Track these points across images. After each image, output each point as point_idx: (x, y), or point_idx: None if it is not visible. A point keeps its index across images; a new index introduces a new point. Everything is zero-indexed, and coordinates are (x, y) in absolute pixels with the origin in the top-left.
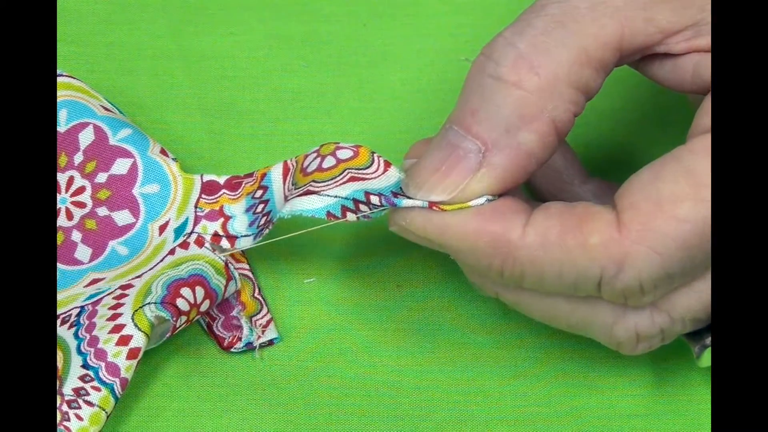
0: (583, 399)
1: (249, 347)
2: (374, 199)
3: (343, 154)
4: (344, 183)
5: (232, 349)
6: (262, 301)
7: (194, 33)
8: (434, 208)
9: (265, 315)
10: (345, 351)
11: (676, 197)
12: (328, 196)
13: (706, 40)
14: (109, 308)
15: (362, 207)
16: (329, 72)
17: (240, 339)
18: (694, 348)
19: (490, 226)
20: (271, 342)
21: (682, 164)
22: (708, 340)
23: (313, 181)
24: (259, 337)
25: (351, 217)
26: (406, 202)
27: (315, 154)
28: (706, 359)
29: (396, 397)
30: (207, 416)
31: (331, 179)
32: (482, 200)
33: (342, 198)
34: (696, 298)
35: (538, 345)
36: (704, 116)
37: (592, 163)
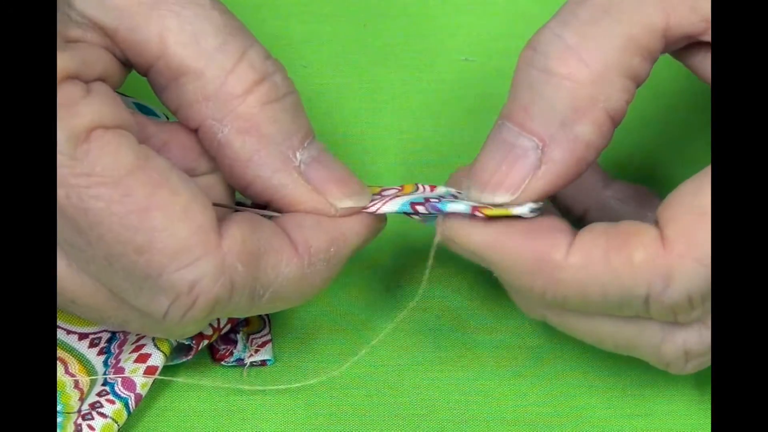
0: (583, 399)
1: (239, 363)
2: (420, 209)
3: (388, 192)
4: (391, 200)
5: (222, 362)
6: (266, 321)
7: None
8: (476, 213)
9: (265, 335)
10: (345, 351)
11: None
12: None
13: None
14: (137, 335)
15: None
16: (329, 72)
17: (232, 354)
18: None
19: (534, 243)
20: (263, 362)
21: None
22: None
23: None
24: (251, 355)
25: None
26: (450, 207)
27: None
28: None
29: (396, 397)
30: (208, 416)
31: (379, 199)
32: (526, 209)
33: (391, 213)
34: None
35: (538, 345)
36: None
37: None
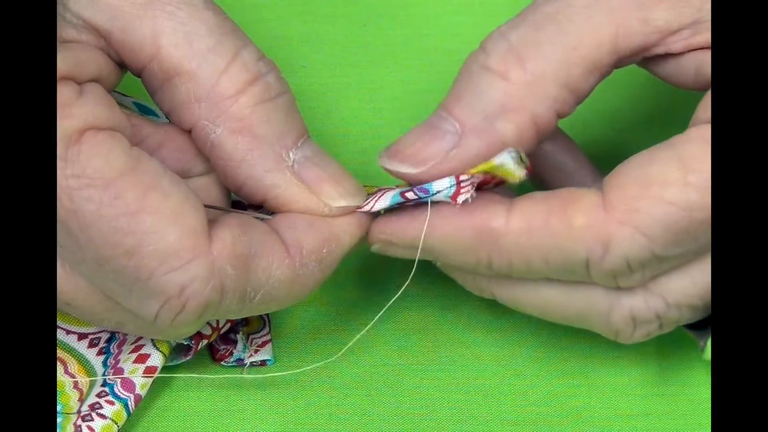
0: (583, 399)
1: (239, 363)
2: (409, 195)
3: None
4: (382, 195)
5: (222, 362)
6: (266, 321)
7: None
8: (461, 180)
9: (264, 335)
10: (345, 351)
11: (664, 180)
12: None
13: (705, 38)
14: (135, 337)
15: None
16: (329, 72)
17: (232, 354)
18: (699, 342)
19: (471, 219)
20: (263, 362)
21: (675, 150)
22: None
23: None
24: (251, 355)
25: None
26: (435, 185)
27: None
28: (710, 352)
29: (396, 396)
30: (209, 416)
31: (371, 196)
32: (505, 156)
33: (385, 208)
34: (690, 282)
35: (538, 344)
36: (702, 110)
37: (594, 163)
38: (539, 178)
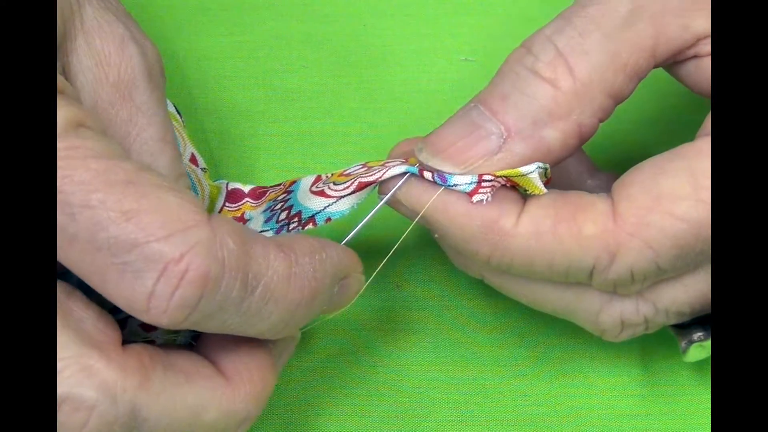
0: (583, 399)
1: None
2: (427, 175)
3: (353, 171)
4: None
5: None
6: None
7: (194, 33)
8: (483, 180)
9: None
10: (345, 351)
11: (676, 195)
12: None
13: None
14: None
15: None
16: (329, 72)
17: None
18: (681, 343)
19: (483, 210)
20: None
21: (686, 162)
22: (696, 336)
23: (362, 178)
24: None
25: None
26: (456, 179)
27: (360, 165)
28: (692, 355)
29: (396, 397)
30: None
31: (379, 167)
32: (533, 167)
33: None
34: (682, 290)
35: (538, 344)
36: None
37: (595, 161)
38: None
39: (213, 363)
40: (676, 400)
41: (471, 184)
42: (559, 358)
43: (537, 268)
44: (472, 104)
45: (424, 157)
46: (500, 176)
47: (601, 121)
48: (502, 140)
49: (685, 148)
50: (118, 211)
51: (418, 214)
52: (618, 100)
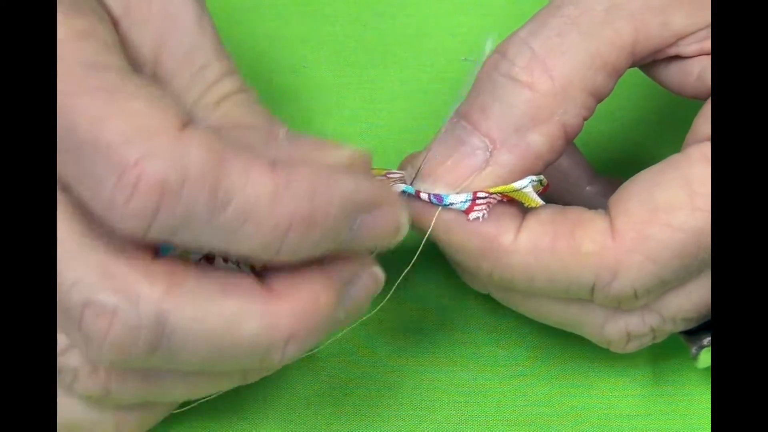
0: (583, 399)
1: None
2: (423, 196)
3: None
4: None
5: None
6: None
7: None
8: (477, 198)
9: None
10: (345, 351)
11: (672, 205)
12: None
13: None
14: None
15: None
16: (329, 72)
17: None
18: (691, 348)
19: (483, 226)
20: None
21: (679, 172)
22: (706, 341)
23: None
24: None
25: None
26: (452, 198)
27: None
28: (703, 360)
29: (396, 397)
30: (208, 416)
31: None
32: (526, 182)
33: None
34: (686, 298)
35: (538, 345)
36: (703, 123)
37: (592, 163)
38: None
39: (259, 278)
40: (677, 400)
41: (466, 202)
42: (560, 359)
43: (538, 284)
44: (455, 119)
45: (416, 183)
46: (494, 192)
47: (585, 119)
48: (488, 153)
49: (676, 159)
50: (87, 115)
51: (422, 231)
52: (600, 97)
